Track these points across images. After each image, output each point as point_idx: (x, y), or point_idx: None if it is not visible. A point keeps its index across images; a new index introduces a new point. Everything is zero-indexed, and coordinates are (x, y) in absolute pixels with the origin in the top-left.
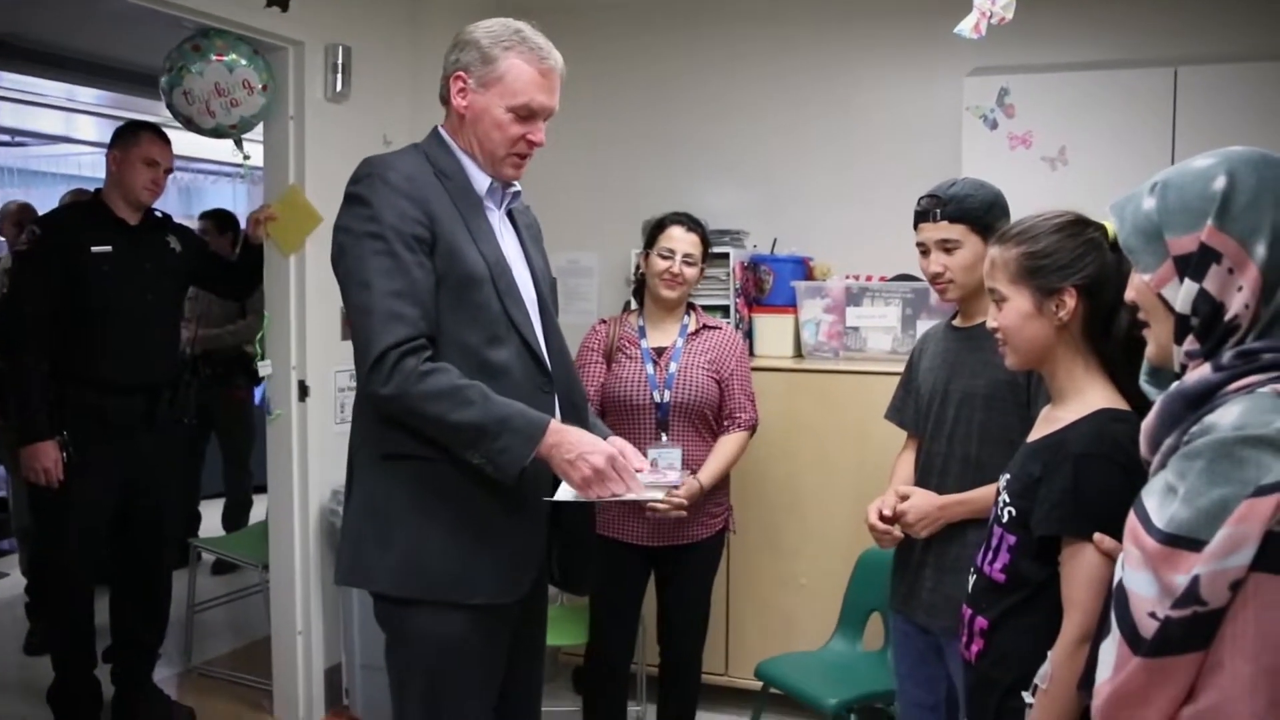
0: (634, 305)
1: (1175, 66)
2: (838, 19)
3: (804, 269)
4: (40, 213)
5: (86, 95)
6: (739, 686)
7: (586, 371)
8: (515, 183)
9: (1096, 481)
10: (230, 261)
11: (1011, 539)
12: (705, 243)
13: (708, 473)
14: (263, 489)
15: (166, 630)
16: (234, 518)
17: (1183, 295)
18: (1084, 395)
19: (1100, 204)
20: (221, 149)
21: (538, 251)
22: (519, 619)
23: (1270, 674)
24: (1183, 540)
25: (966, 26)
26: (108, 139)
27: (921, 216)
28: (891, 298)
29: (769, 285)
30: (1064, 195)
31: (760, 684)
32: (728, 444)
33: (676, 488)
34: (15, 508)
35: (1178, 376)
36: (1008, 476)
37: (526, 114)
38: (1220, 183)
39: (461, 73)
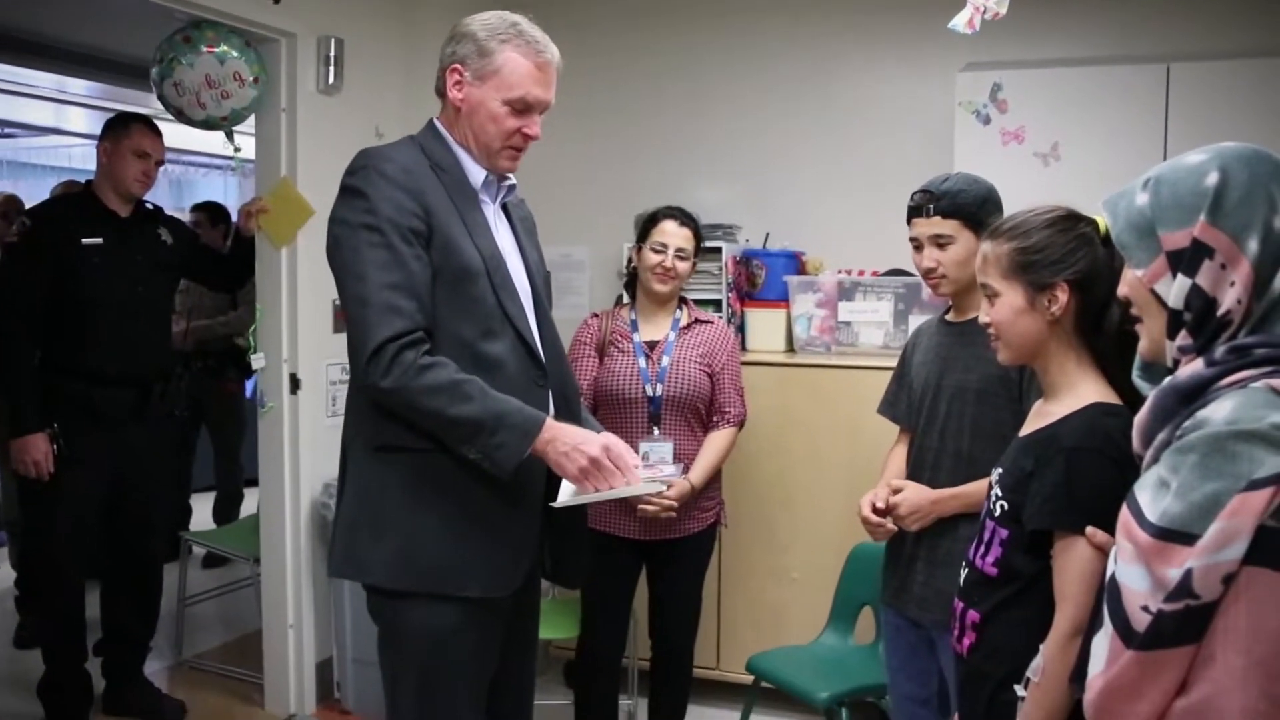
0: (626, 299)
1: (1168, 63)
2: (831, 14)
3: (796, 263)
4: (30, 205)
5: (77, 86)
6: (730, 680)
7: (579, 365)
8: (510, 176)
9: (1088, 475)
10: (221, 254)
11: (1004, 533)
12: (698, 237)
13: (698, 472)
14: (254, 482)
15: (157, 623)
16: (225, 511)
17: (1175, 290)
18: (1076, 390)
19: (1093, 200)
20: (213, 141)
21: (532, 245)
22: (511, 612)
23: (1262, 666)
24: (1176, 534)
25: (960, 21)
26: (98, 130)
27: (915, 212)
28: (883, 292)
29: (761, 280)
30: (1056, 191)
31: (752, 678)
32: (717, 440)
33: (673, 482)
34: (4, 500)
35: (1170, 372)
36: (1000, 470)
37: (522, 107)
38: (1213, 178)
39: (458, 65)
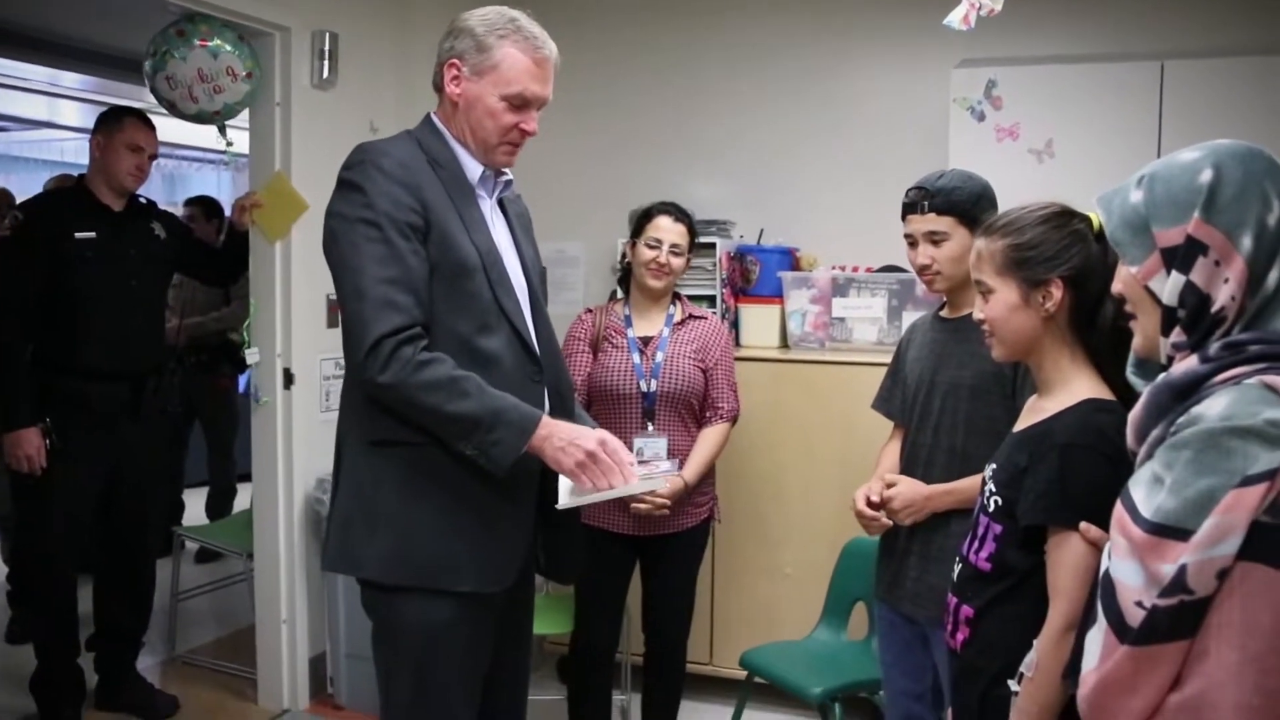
0: (620, 295)
1: (1162, 60)
2: (827, 10)
3: (790, 259)
4: (22, 199)
5: (70, 80)
6: (724, 676)
7: (573, 361)
8: (507, 171)
9: (1082, 471)
10: (215, 248)
11: (998, 528)
12: (692, 233)
13: (691, 469)
14: (247, 477)
15: (150, 619)
16: (218, 506)
17: (1169, 287)
18: (1070, 386)
19: (1087, 196)
20: (206, 135)
21: (528, 241)
22: (505, 607)
23: (1256, 661)
24: (1170, 530)
25: (956, 18)
26: (91, 124)
27: (909, 208)
28: (877, 289)
29: (755, 275)
30: (1051, 187)
31: (745, 673)
32: (710, 436)
33: (671, 474)
34: None
35: (1164, 368)
36: (994, 466)
37: (520, 103)
38: (1207, 176)
39: (456, 60)
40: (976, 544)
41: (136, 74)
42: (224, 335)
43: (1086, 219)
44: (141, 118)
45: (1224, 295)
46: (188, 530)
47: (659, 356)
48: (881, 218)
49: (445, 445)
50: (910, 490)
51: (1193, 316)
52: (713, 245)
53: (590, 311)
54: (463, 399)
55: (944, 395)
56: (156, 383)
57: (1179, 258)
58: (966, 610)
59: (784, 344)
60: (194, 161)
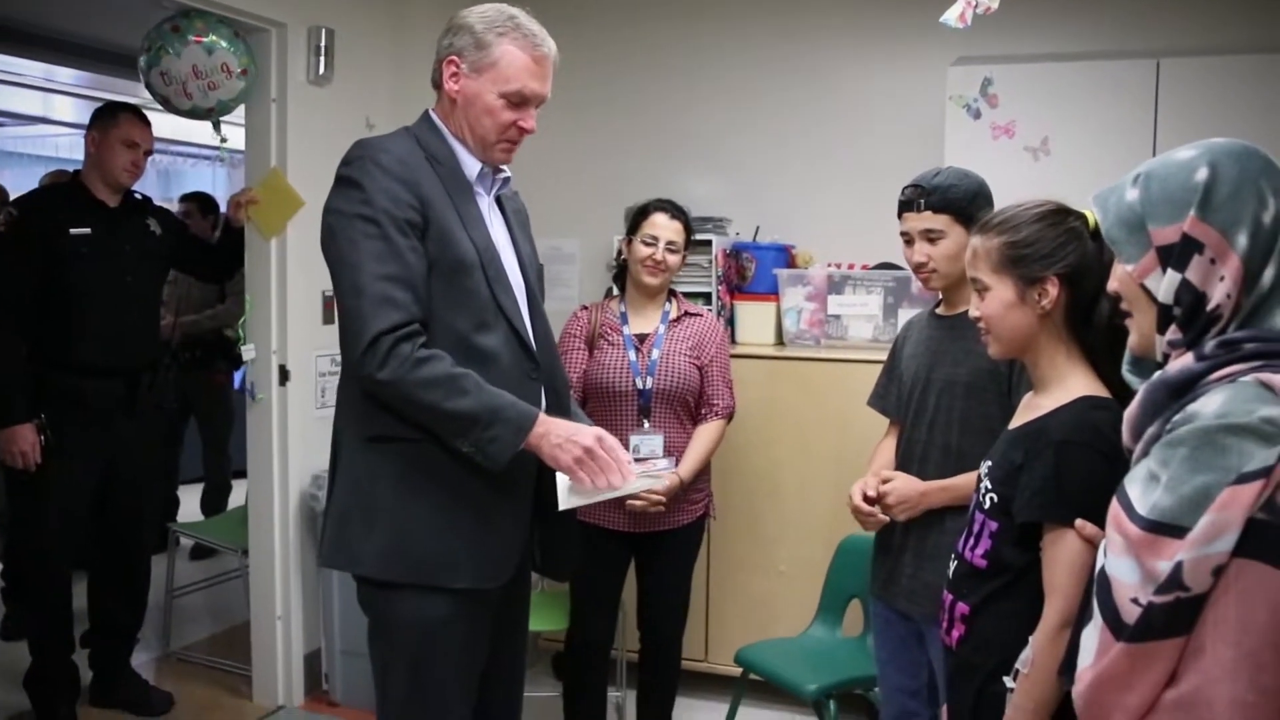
0: (615, 291)
1: (1157, 58)
2: (823, 8)
3: (786, 257)
4: (16, 195)
5: (64, 75)
6: (718, 672)
7: (569, 358)
8: (505, 168)
9: (1078, 468)
10: (210, 244)
11: (993, 525)
12: (688, 230)
13: (687, 466)
14: (242, 474)
15: (145, 615)
16: (213, 502)
17: (1165, 285)
18: (1065, 383)
19: (1082, 194)
20: (201, 131)
21: (525, 238)
22: (501, 603)
23: (1251, 658)
24: (1166, 527)
25: (952, 16)
26: (86, 120)
27: (905, 206)
28: (873, 286)
29: (751, 273)
30: (1046, 185)
31: (740, 670)
32: (706, 433)
33: (669, 472)
34: None
35: (1160, 366)
36: (989, 463)
37: (519, 100)
38: (1202, 174)
39: (455, 57)
40: (972, 541)
41: (132, 69)
42: (219, 331)
43: (1082, 217)
44: (137, 113)
45: (1219, 293)
46: (183, 527)
47: (655, 354)
48: (877, 215)
49: (442, 442)
50: (906, 486)
51: (1188, 314)
52: (708, 242)
53: (586, 308)
54: (461, 396)
55: (939, 392)
56: (152, 379)
57: (1175, 256)
58: (962, 607)
59: (779, 341)
60: (189, 157)
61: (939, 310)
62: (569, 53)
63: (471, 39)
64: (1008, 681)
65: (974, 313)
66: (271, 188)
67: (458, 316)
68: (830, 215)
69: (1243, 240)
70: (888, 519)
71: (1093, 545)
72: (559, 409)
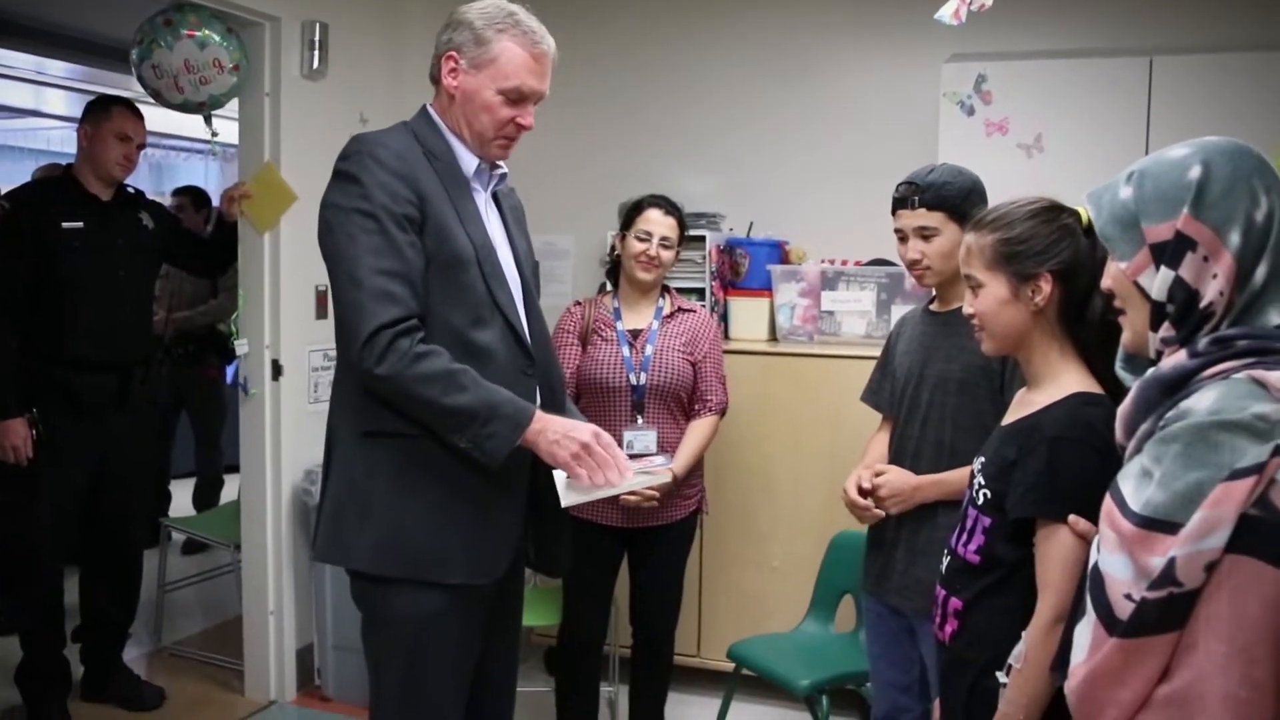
0: (609, 287)
1: (1151, 56)
2: (818, 4)
3: (780, 253)
4: (7, 188)
5: (56, 68)
6: (711, 668)
7: (562, 354)
8: (502, 164)
9: (1071, 464)
10: (203, 239)
11: (986, 521)
12: (682, 226)
13: (680, 462)
14: (234, 468)
15: (137, 610)
16: (205, 497)
17: (1159, 283)
18: (1059, 379)
19: (1075, 191)
20: (193, 125)
21: (521, 234)
22: (495, 597)
23: (1243, 653)
24: (1159, 523)
25: (947, 13)
26: (77, 113)
27: (899, 203)
28: (866, 282)
29: (744, 268)
30: (1040, 182)
31: (732, 665)
32: (699, 429)
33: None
34: None
35: (1153, 363)
36: (982, 459)
37: (517, 97)
38: (1196, 172)
39: (454, 53)
40: (965, 536)
41: (124, 63)
42: (211, 326)
43: (1075, 214)
44: (130, 107)
45: (1212, 290)
46: (175, 521)
47: (648, 349)
48: (871, 211)
49: (439, 437)
50: (899, 479)
51: (1181, 312)
52: (702, 238)
53: (579, 304)
54: (459, 392)
55: (932, 388)
56: (144, 373)
57: (1168, 253)
58: (955, 602)
59: (773, 337)
60: (182, 151)
61: (933, 306)
62: (564, 49)
63: (471, 35)
64: (1001, 677)
65: (968, 309)
66: (265, 182)
67: (454, 312)
68: (824, 211)
69: (1235, 238)
70: (883, 513)
71: (1085, 541)
72: (554, 405)
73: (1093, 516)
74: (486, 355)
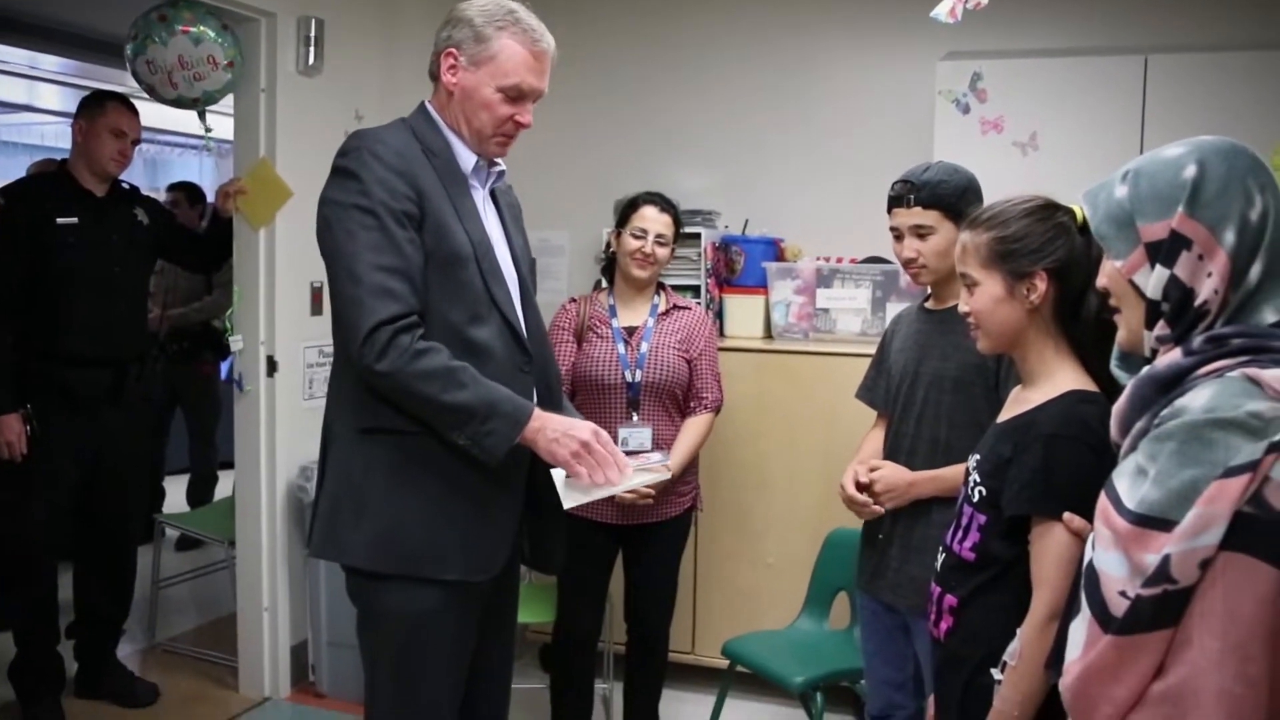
0: (604, 284)
1: (1146, 55)
2: (814, 2)
3: (775, 250)
4: (1, 183)
5: (49, 63)
6: (706, 665)
7: (557, 351)
8: (499, 161)
9: (1066, 462)
10: (198, 234)
11: (982, 518)
12: (677, 223)
13: (676, 459)
14: (228, 464)
15: (131, 606)
16: (199, 493)
17: (1154, 281)
18: (1054, 377)
19: (1070, 189)
20: (187, 120)
21: (518, 232)
22: (491, 592)
23: (1238, 649)
24: (1154, 521)
25: (942, 11)
26: (71, 108)
27: (895, 202)
28: (862, 280)
29: (740, 266)
30: (1035, 180)
31: (727, 662)
32: (694, 426)
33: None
34: None
35: (1148, 361)
36: (978, 457)
37: (516, 95)
38: (1191, 171)
39: (453, 50)
40: (960, 534)
41: (118, 58)
42: (206, 323)
43: (1070, 212)
44: (124, 102)
45: (1207, 289)
46: (169, 518)
47: (644, 347)
48: (866, 209)
49: (436, 434)
50: (894, 474)
51: (1176, 310)
52: (698, 235)
53: (574, 301)
54: (459, 389)
55: (927, 386)
56: (139, 369)
57: (1163, 252)
58: (950, 599)
59: (768, 334)
60: (176, 147)
61: (928, 304)
62: (561, 45)
63: (471, 32)
64: (995, 673)
65: (963, 308)
66: (260, 178)
67: (452, 309)
68: (819, 209)
69: (1230, 237)
70: (883, 510)
71: (1080, 538)
72: (551, 402)
73: (1087, 514)
74: (484, 352)
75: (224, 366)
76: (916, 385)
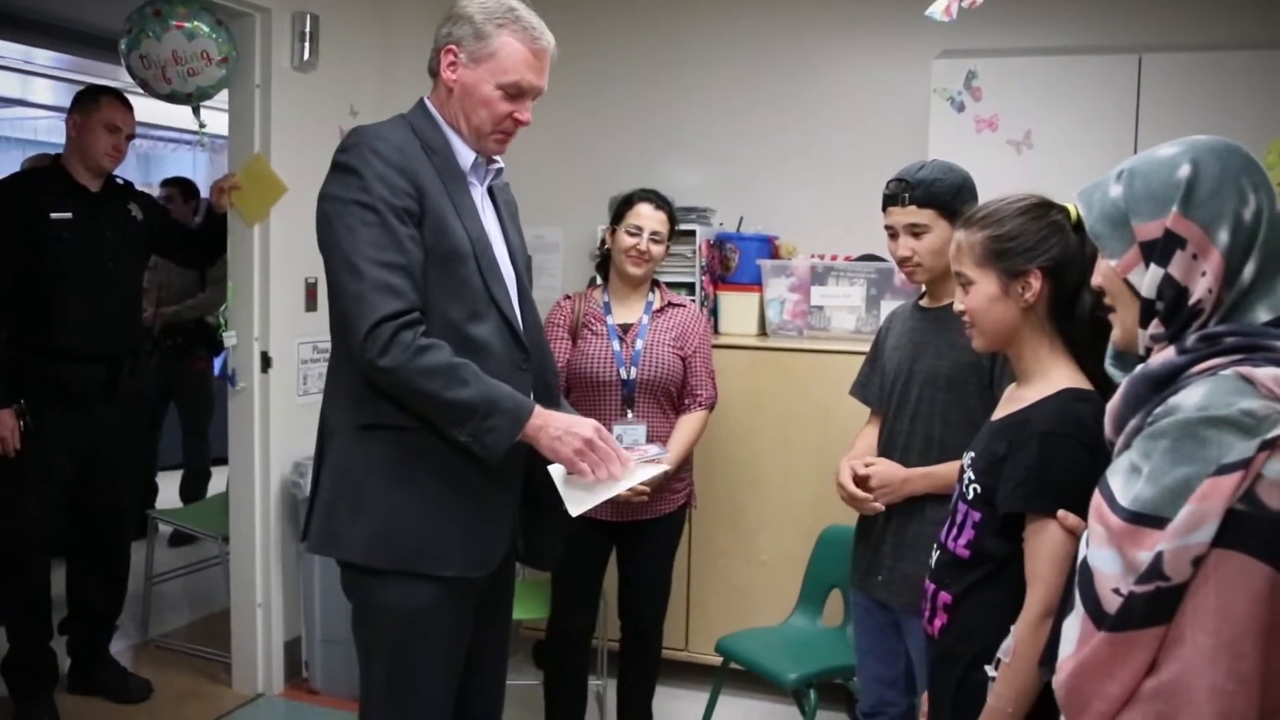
0: (599, 281)
1: (1140, 54)
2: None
3: (770, 248)
4: None
5: (43, 57)
6: (699, 662)
7: (553, 348)
8: (498, 159)
9: (1061, 459)
10: (192, 230)
11: (976, 515)
12: (672, 220)
13: (670, 456)
14: (221, 460)
15: (124, 602)
16: (192, 489)
17: (1148, 280)
18: (1048, 375)
19: (1065, 187)
20: (181, 115)
21: (515, 229)
22: (486, 590)
23: (1230, 646)
24: (1147, 518)
25: (938, 9)
26: (64, 103)
27: (890, 200)
28: (856, 277)
29: (734, 263)
30: (1029, 178)
31: (720, 659)
32: (689, 423)
33: (660, 458)
34: None
35: (1142, 360)
36: (972, 454)
37: (516, 92)
38: (1185, 170)
39: (453, 46)
40: (955, 531)
41: (112, 53)
42: (200, 318)
43: (1064, 210)
44: (119, 97)
45: (1201, 288)
46: (162, 513)
47: (639, 344)
48: (861, 207)
49: (436, 430)
50: (888, 471)
51: (1170, 309)
52: (692, 232)
53: (569, 298)
54: (461, 386)
55: (922, 384)
56: (133, 364)
57: (1157, 251)
58: (945, 596)
59: (762, 332)
60: (169, 142)
61: (923, 302)
62: (557, 43)
63: (471, 29)
64: (989, 670)
65: (958, 306)
66: (254, 174)
67: (451, 306)
68: (814, 207)
69: (1224, 236)
70: (883, 506)
71: (1074, 536)
72: (548, 400)
73: (1082, 511)
74: (483, 349)
75: (217, 362)
76: (911, 383)
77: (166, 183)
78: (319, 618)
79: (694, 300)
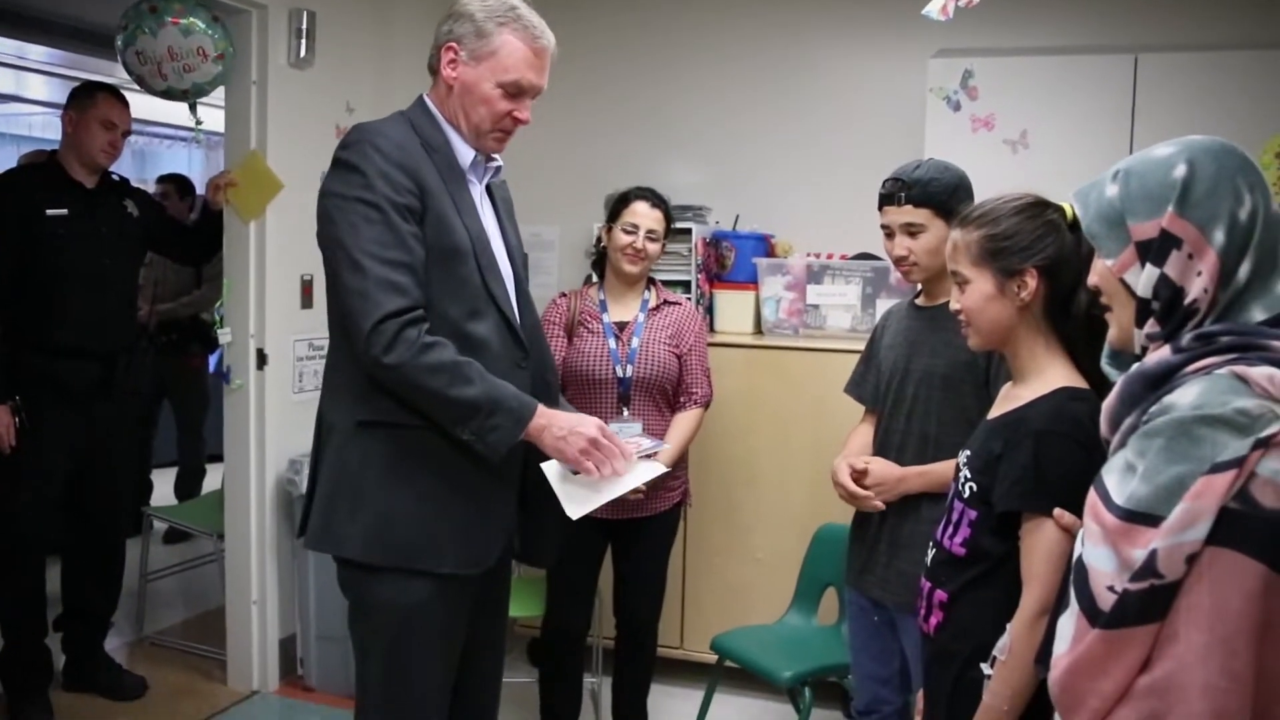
0: (594, 279)
1: (1136, 54)
2: None
3: (766, 246)
4: None
5: (37, 53)
6: (694, 659)
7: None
8: (496, 157)
9: (1056, 458)
10: (188, 226)
11: (972, 514)
12: (668, 218)
13: (666, 454)
14: (216, 457)
15: (119, 599)
16: (187, 486)
17: (1144, 280)
18: (1044, 374)
19: (1061, 186)
20: (177, 112)
21: (512, 227)
22: (482, 587)
23: (1223, 643)
24: (1141, 516)
25: (935, 9)
26: (60, 99)
27: (886, 199)
28: (852, 276)
29: (730, 261)
30: (1025, 178)
31: (715, 657)
32: (684, 421)
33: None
34: None
35: (1138, 359)
36: (968, 453)
37: (516, 91)
38: (1181, 171)
39: (454, 44)
40: (951, 529)
41: (108, 49)
42: (195, 315)
43: (1060, 209)
44: (115, 93)
45: (1197, 288)
46: (158, 510)
47: (634, 342)
48: (857, 205)
49: (435, 427)
50: (883, 469)
51: (1166, 308)
52: (688, 231)
53: (565, 296)
54: (465, 384)
55: (917, 383)
56: (128, 361)
57: (1153, 251)
58: (940, 594)
59: (758, 330)
60: (165, 139)
61: (918, 301)
62: (555, 40)
63: (472, 27)
64: (985, 668)
65: (954, 305)
66: (250, 170)
67: (451, 304)
68: (810, 205)
69: (1220, 236)
70: (883, 505)
71: (1070, 534)
72: (547, 398)
73: (1077, 510)
74: (482, 347)
75: (212, 359)
76: (906, 381)
77: (162, 179)
78: (314, 615)
79: (690, 298)
